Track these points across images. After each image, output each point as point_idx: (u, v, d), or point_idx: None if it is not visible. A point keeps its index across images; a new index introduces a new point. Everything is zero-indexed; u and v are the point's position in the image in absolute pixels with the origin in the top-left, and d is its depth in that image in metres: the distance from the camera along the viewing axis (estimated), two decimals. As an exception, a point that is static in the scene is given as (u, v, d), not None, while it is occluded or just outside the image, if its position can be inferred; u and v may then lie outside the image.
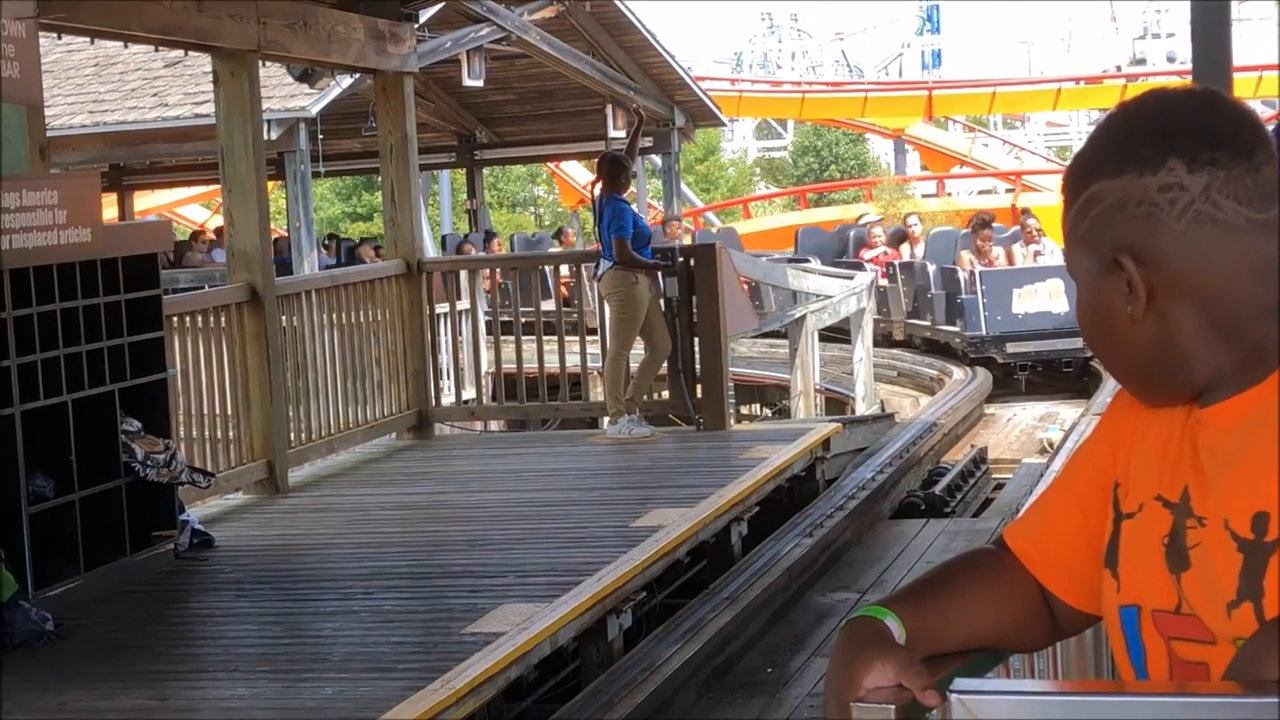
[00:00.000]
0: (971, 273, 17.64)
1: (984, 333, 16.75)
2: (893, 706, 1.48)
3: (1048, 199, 29.11)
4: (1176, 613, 1.54)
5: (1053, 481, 1.81)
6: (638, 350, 11.18)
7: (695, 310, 11.31)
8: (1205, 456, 1.55)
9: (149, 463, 7.81)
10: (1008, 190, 31.64)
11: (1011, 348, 16.75)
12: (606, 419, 11.22)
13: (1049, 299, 16.86)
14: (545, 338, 12.42)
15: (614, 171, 10.94)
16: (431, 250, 15.86)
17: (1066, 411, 15.51)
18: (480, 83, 17.57)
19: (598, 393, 11.92)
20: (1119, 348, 1.57)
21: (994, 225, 19.22)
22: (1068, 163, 1.63)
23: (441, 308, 11.96)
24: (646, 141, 20.40)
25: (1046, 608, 1.75)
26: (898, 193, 29.82)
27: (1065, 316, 15.93)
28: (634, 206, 11.37)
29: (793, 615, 8.94)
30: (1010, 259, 17.90)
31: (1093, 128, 1.61)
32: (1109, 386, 9.94)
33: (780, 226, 28.07)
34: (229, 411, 9.44)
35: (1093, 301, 1.57)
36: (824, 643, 8.28)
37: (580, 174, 28.83)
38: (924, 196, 30.87)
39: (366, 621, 6.95)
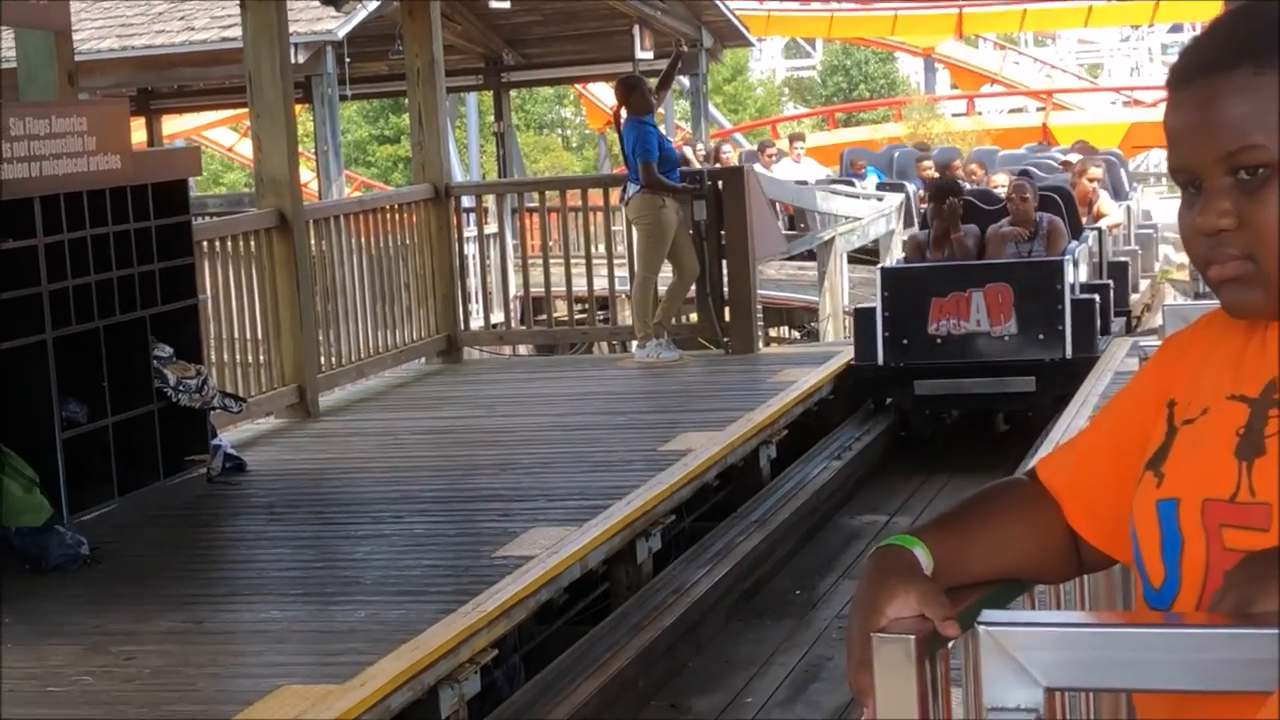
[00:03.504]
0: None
1: (879, 361, 10.37)
2: (913, 637, 1.50)
3: (1079, 117, 28.94)
4: (1232, 501, 1.54)
5: (1091, 421, 1.82)
6: (666, 274, 11.17)
7: (723, 233, 11.29)
8: None
9: (181, 388, 7.86)
10: (1038, 109, 31.42)
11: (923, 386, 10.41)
12: (634, 343, 11.23)
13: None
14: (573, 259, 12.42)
15: (629, 93, 10.87)
16: (459, 174, 15.84)
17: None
18: (507, 4, 17.45)
19: (626, 316, 11.93)
20: None
21: (982, 185, 14.13)
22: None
23: (470, 231, 11.97)
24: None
25: (1073, 542, 1.76)
26: (927, 112, 29.64)
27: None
28: (661, 128, 11.30)
29: (821, 538, 8.99)
30: (992, 246, 10.81)
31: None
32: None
33: (820, 145, 27.81)
34: (259, 337, 9.48)
35: None
36: (852, 565, 8.32)
37: (608, 95, 28.69)
38: (954, 115, 30.65)
39: (398, 545, 7.00)
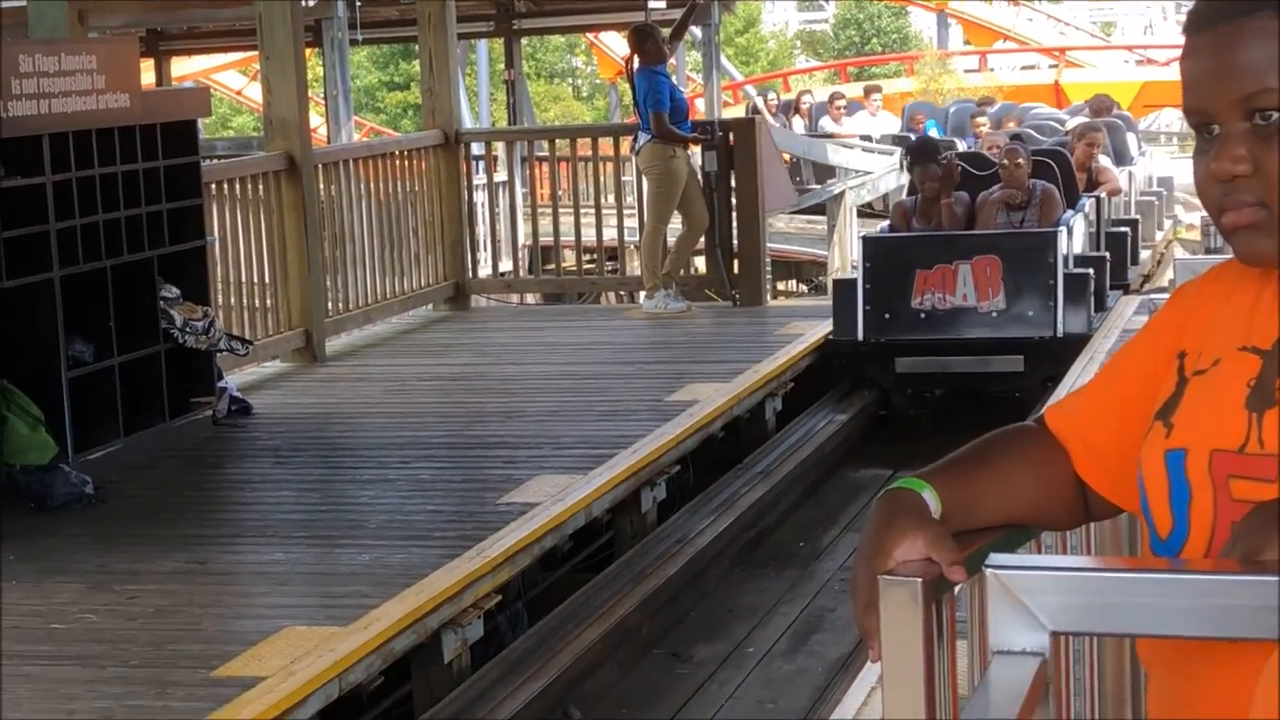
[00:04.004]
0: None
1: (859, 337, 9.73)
2: (919, 580, 1.50)
3: (1091, 75, 28.80)
4: (1241, 452, 1.54)
5: (1100, 370, 1.82)
6: (675, 225, 11.16)
7: (733, 185, 11.28)
8: None
9: (187, 329, 7.87)
10: (1051, 66, 31.28)
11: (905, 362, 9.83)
12: (643, 293, 11.22)
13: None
14: (583, 208, 12.40)
15: (642, 42, 10.84)
16: (469, 121, 15.81)
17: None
18: (519, -50, 17.37)
19: (634, 267, 11.92)
20: None
21: (971, 149, 12.95)
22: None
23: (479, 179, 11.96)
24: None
25: (1081, 490, 1.76)
26: (940, 68, 29.51)
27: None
28: (673, 79, 11.27)
29: (825, 491, 9.01)
30: (983, 214, 10.06)
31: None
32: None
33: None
34: (267, 280, 9.48)
35: None
36: (856, 518, 8.34)
37: (619, 45, 28.59)
38: (966, 72, 30.52)
39: (403, 490, 7.03)
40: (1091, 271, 9.75)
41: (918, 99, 23.57)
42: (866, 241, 10.11)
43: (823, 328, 10.19)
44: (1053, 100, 24.74)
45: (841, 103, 19.63)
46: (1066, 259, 9.59)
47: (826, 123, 18.99)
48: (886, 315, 9.57)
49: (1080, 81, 27.41)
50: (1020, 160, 10.01)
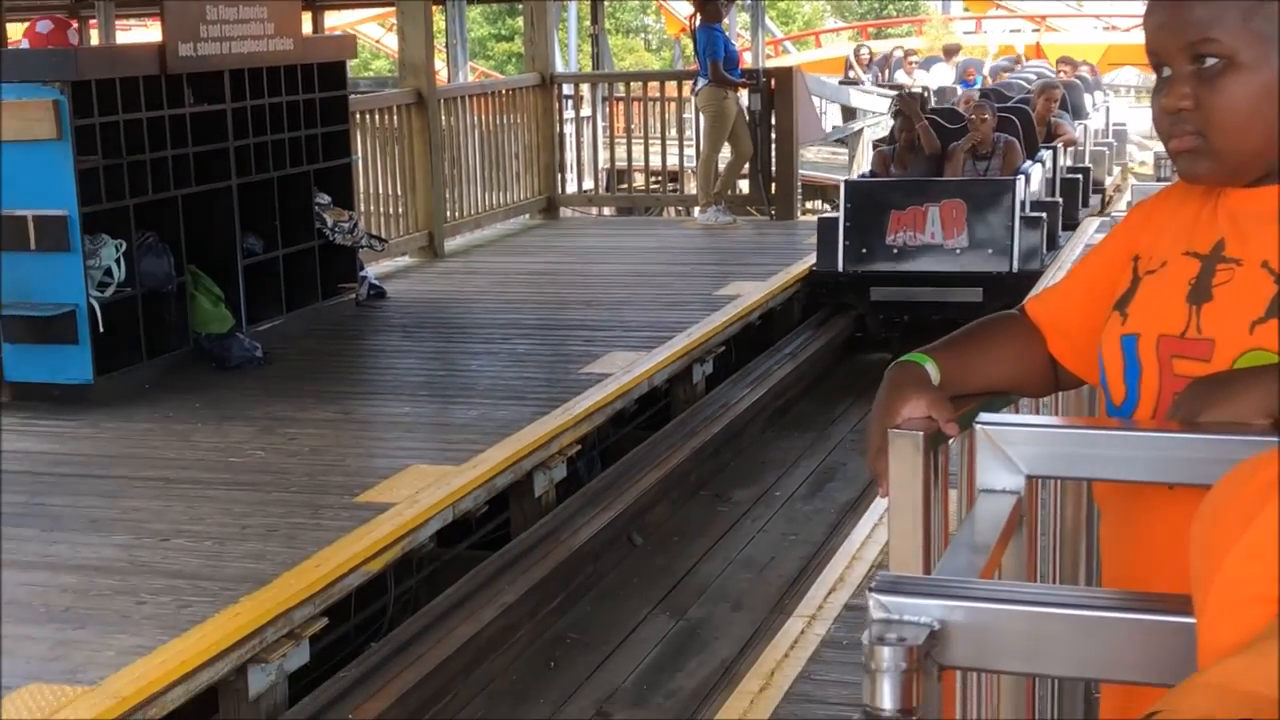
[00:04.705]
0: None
1: (839, 269, 9.06)
2: (921, 433, 1.51)
3: (1065, 38, 28.23)
4: (1182, 337, 1.54)
5: (1070, 270, 1.82)
6: (725, 154, 11.08)
7: (773, 122, 11.17)
8: (1246, 220, 1.55)
9: (336, 229, 7.90)
10: (1033, 30, 30.70)
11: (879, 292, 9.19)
12: (697, 208, 11.18)
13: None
14: (650, 139, 12.33)
15: (703, 3, 10.72)
16: (560, 67, 15.64)
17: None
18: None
19: (691, 187, 11.86)
20: (1266, 124, 1.52)
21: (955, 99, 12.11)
22: None
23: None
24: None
25: (1052, 365, 1.76)
26: (943, 29, 29.03)
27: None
28: (726, 34, 11.14)
29: (840, 368, 9.00)
30: (952, 162, 9.37)
31: None
32: None
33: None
34: (398, 192, 9.49)
35: (1268, 82, 1.51)
36: (866, 392, 8.33)
37: (682, 7, 28.27)
38: (965, 33, 30.01)
39: (504, 360, 7.06)
40: (1045, 215, 9.14)
41: (955, 56, 22.78)
42: (848, 185, 9.36)
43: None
44: (1036, 55, 24.24)
45: (915, 58, 19.11)
46: (1024, 204, 8.98)
47: (900, 75, 18.48)
48: (863, 250, 8.98)
49: (1056, 43, 26.89)
50: (986, 115, 9.32)
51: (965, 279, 8.85)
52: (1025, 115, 10.24)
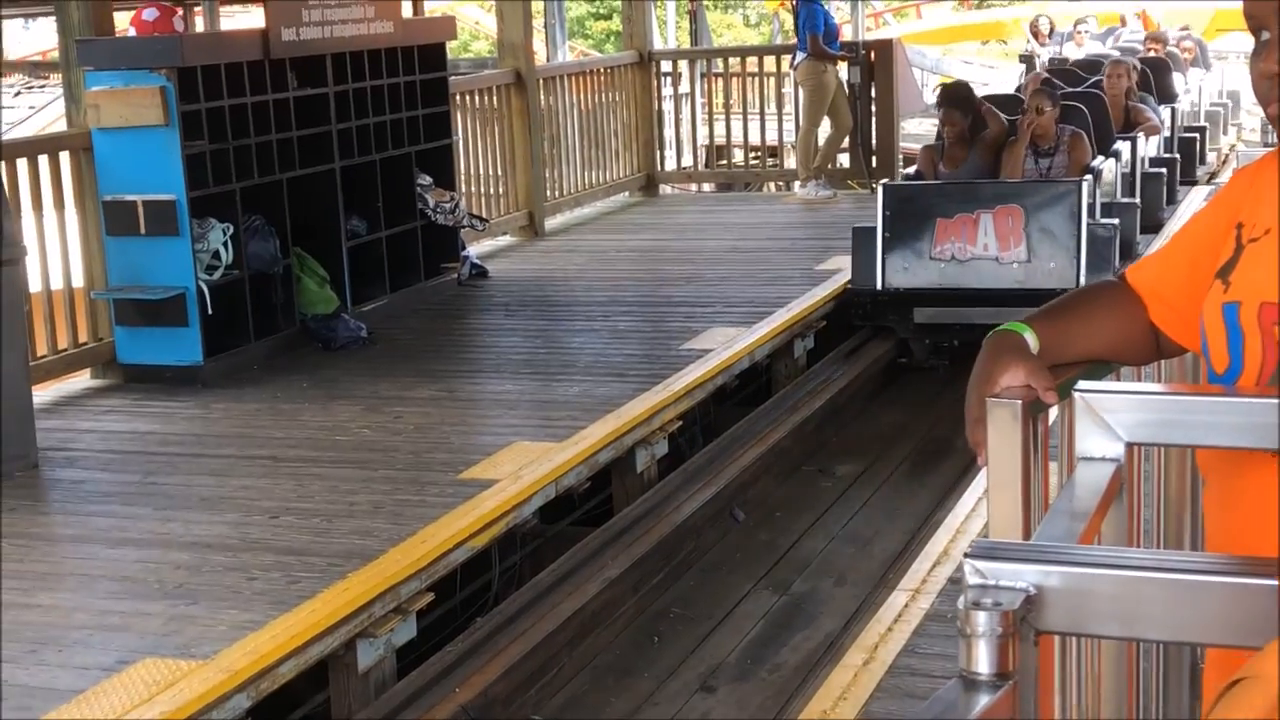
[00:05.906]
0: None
1: (878, 286, 7.72)
2: (1019, 402, 1.50)
3: (1172, 6, 27.63)
4: None
5: (1171, 237, 1.79)
6: (825, 128, 11.01)
7: (873, 94, 11.08)
8: None
9: (438, 210, 7.98)
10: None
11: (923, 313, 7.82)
12: (797, 183, 11.12)
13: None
14: (749, 115, 12.28)
15: None
16: (659, 44, 15.63)
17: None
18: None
19: (791, 162, 11.80)
20: None
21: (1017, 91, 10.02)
22: None
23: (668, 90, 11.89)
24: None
25: (1153, 334, 1.74)
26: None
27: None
28: (826, 7, 11.06)
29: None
30: (1008, 163, 7.97)
31: None
32: None
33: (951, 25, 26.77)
34: (498, 172, 9.55)
35: None
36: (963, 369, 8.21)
37: (781, -19, 28.04)
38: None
39: (605, 337, 7.09)
40: (1117, 223, 7.70)
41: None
42: (887, 189, 7.92)
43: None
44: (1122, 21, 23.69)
45: (1084, 28, 18.61)
46: (1092, 208, 7.61)
47: (1070, 48, 18.02)
48: (905, 265, 7.66)
49: (1165, 7, 26.30)
50: (1046, 109, 7.88)
51: (1023, 298, 6.95)
52: (1097, 101, 8.87)
